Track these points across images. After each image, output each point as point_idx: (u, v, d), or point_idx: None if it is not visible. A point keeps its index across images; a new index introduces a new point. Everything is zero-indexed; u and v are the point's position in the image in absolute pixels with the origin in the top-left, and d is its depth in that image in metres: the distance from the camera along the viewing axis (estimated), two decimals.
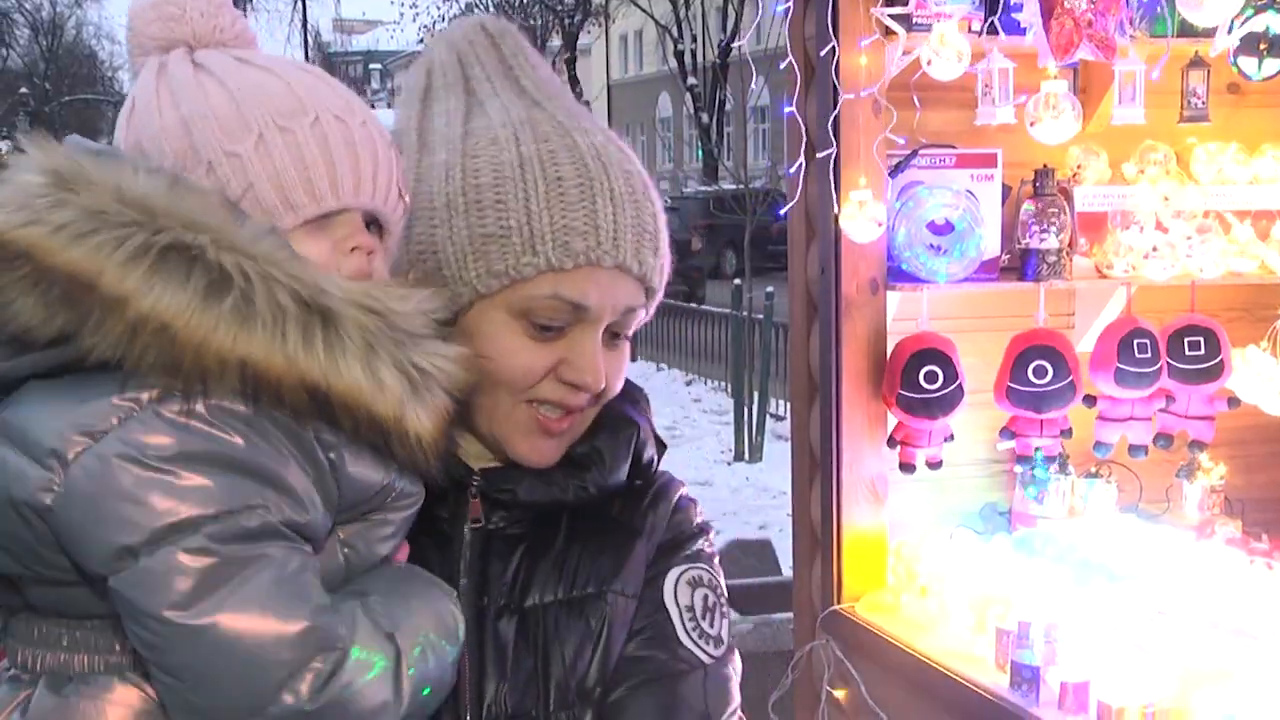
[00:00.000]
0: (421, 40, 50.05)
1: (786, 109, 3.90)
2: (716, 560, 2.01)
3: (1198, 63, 3.68)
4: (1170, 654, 3.01)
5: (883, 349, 3.80)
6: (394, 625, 1.56)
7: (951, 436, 3.84)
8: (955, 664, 3.38)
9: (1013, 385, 3.78)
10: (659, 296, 1.86)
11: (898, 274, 3.78)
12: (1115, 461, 3.99)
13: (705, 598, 1.95)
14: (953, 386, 3.69)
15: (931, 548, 3.81)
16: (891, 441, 3.84)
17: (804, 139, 3.89)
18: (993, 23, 3.68)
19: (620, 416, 1.92)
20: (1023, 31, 3.67)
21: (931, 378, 3.67)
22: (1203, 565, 3.53)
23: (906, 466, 3.83)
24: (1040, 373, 3.74)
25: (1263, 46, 3.20)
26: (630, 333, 1.86)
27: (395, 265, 1.75)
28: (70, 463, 1.44)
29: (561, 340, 1.76)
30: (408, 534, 1.72)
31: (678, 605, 1.91)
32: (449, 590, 1.71)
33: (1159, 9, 3.67)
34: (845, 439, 3.81)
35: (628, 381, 1.92)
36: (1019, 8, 3.65)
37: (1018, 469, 3.98)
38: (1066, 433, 3.86)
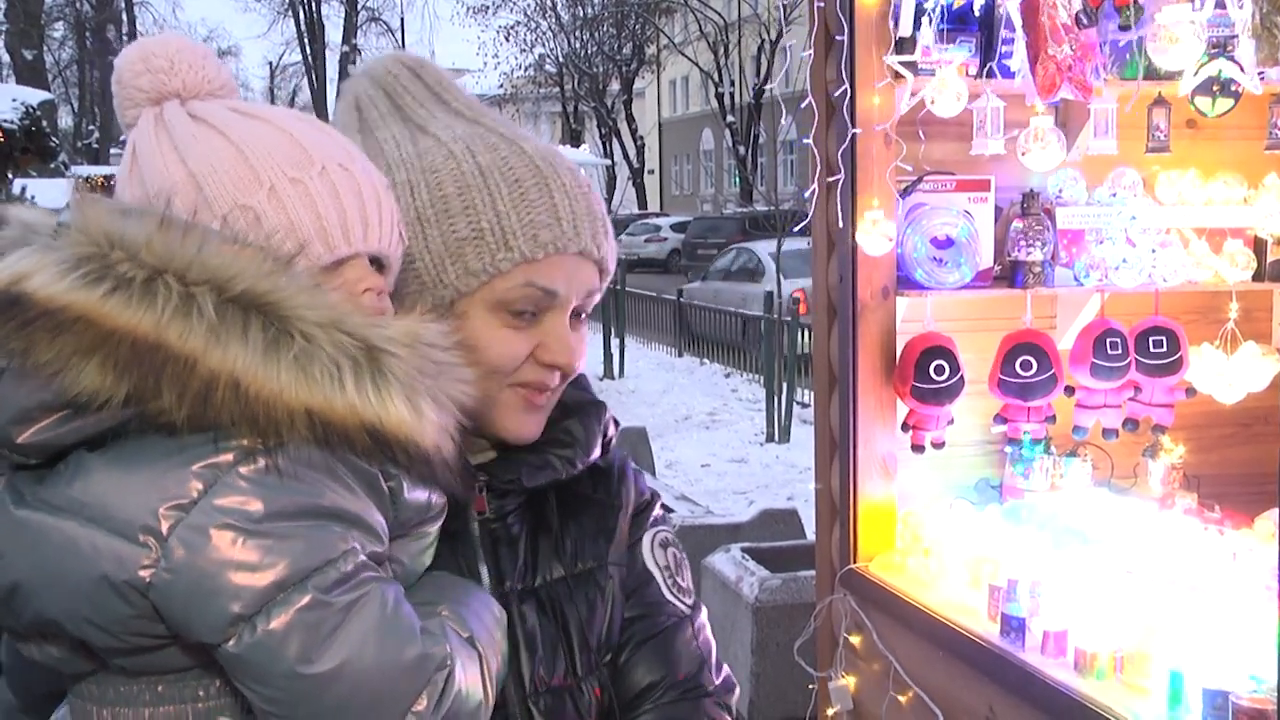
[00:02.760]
0: (501, 86, 50.30)
1: (804, 140, 3.92)
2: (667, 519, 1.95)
3: (1161, 102, 3.66)
4: (1136, 607, 2.99)
5: (893, 346, 3.80)
6: (468, 629, 1.47)
7: (952, 421, 3.84)
8: (953, 615, 3.38)
9: (1003, 377, 3.78)
10: (610, 276, 1.75)
11: (906, 282, 3.78)
12: (1090, 443, 3.97)
13: (674, 555, 1.89)
14: (956, 377, 3.70)
15: (934, 516, 3.81)
16: (905, 427, 3.84)
17: (824, 166, 3.89)
18: (988, 68, 3.69)
19: (588, 400, 1.82)
20: (1012, 75, 3.67)
21: (940, 370, 3.67)
22: (1164, 531, 3.50)
23: (917, 448, 3.83)
24: (1026, 366, 3.73)
25: (1215, 89, 3.18)
26: (588, 312, 1.75)
27: None
28: (166, 538, 1.28)
29: (536, 326, 1.65)
30: None
31: (657, 566, 1.85)
32: (482, 586, 1.64)
33: (1128, 56, 3.65)
34: (860, 423, 3.81)
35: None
36: (1009, 55, 3.65)
37: (1008, 449, 3.96)
38: (1050, 419, 3.85)
